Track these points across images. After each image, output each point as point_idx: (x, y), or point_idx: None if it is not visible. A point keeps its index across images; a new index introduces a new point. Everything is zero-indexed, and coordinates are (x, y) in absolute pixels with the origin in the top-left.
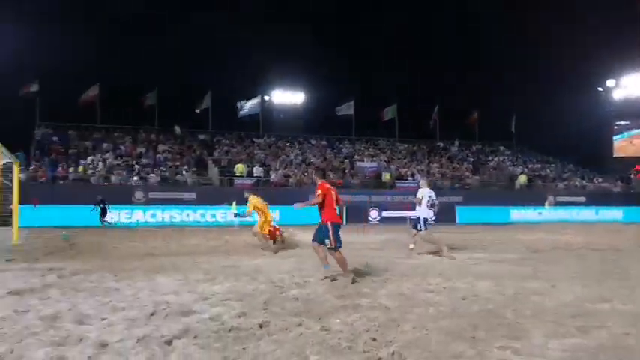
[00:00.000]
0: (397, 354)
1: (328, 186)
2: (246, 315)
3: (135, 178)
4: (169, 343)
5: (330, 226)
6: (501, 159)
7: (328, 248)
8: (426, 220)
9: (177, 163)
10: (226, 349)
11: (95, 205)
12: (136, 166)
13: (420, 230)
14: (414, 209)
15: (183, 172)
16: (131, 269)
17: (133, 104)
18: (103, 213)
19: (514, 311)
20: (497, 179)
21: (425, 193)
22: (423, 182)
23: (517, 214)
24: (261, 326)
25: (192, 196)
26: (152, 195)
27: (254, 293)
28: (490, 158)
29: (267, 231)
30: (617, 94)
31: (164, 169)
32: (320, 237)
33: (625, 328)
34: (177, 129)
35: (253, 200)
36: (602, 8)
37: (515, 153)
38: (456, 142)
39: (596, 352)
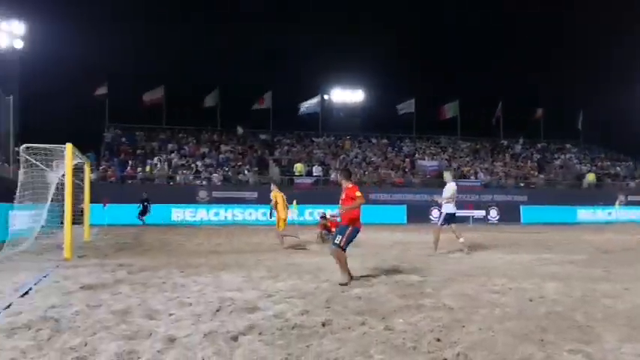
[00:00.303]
0: (462, 355)
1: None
2: (309, 313)
3: (198, 179)
4: (235, 339)
5: (350, 229)
6: (568, 157)
7: (335, 244)
8: (450, 215)
9: (240, 163)
10: (290, 346)
11: (140, 202)
12: (200, 166)
13: (444, 225)
14: (477, 208)
15: (245, 172)
16: (197, 266)
17: (196, 105)
18: (144, 211)
19: (584, 314)
20: (563, 178)
21: (453, 187)
22: (448, 176)
23: (585, 213)
24: (324, 324)
25: (254, 195)
26: (215, 194)
27: (316, 291)
28: (556, 156)
29: (282, 228)
30: None
31: (226, 169)
32: (335, 235)
33: None
34: (240, 129)
35: (277, 194)
36: None
37: (583, 150)
38: (521, 140)
39: None
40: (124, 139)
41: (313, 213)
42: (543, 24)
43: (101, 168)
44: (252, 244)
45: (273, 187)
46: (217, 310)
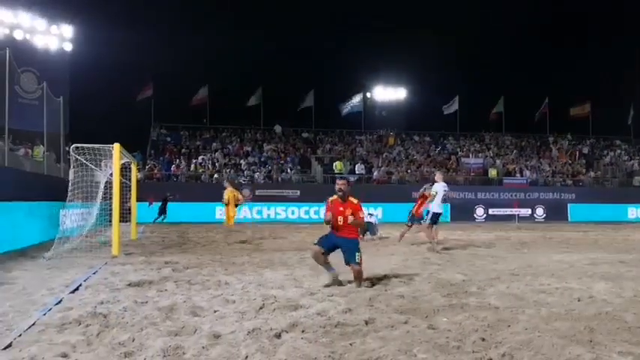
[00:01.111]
0: (508, 355)
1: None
2: (352, 311)
3: (242, 177)
4: (278, 336)
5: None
6: (617, 153)
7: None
8: (436, 215)
9: (282, 162)
10: (333, 344)
11: (163, 200)
12: (243, 165)
13: (426, 222)
14: (522, 207)
15: (288, 170)
16: (240, 264)
17: (240, 105)
18: (162, 210)
19: (635, 315)
20: (613, 175)
21: (439, 188)
22: (438, 176)
23: (635, 212)
24: (367, 323)
25: (297, 193)
26: (258, 192)
27: (359, 290)
28: (605, 153)
29: (230, 225)
30: None
31: (269, 167)
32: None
33: None
34: (279, 128)
35: (230, 193)
36: None
37: (634, 147)
38: (568, 136)
39: None
40: (168, 139)
41: None
42: (590, 14)
43: (147, 167)
44: (296, 242)
45: (226, 184)
46: (260, 308)
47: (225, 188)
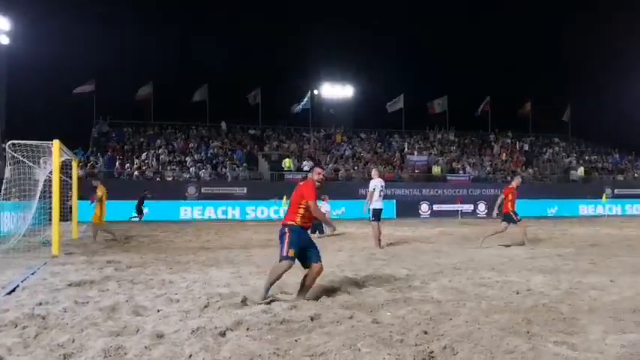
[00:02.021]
0: (449, 348)
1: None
2: (297, 308)
3: (187, 174)
4: (223, 334)
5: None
6: (556, 150)
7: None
8: (377, 210)
9: (229, 159)
10: (278, 340)
11: (140, 199)
12: (189, 162)
13: (374, 221)
14: (465, 202)
15: (235, 168)
16: (185, 262)
17: (185, 101)
18: (139, 210)
19: (570, 306)
20: (551, 171)
21: (376, 184)
22: (374, 172)
23: (573, 207)
24: (312, 319)
25: (244, 191)
26: (204, 190)
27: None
28: (544, 150)
29: (102, 222)
30: None
31: (216, 165)
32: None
33: None
34: (224, 125)
35: (103, 189)
36: None
37: (571, 144)
38: (509, 134)
39: None
40: (112, 136)
41: None
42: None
43: (89, 164)
44: (242, 241)
45: (97, 183)
46: (205, 307)
47: (96, 186)
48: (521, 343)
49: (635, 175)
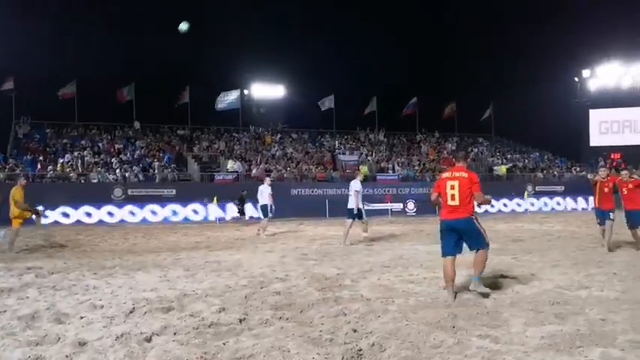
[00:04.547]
0: (377, 345)
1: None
2: (226, 310)
3: (113, 176)
4: (149, 340)
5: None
6: (480, 150)
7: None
8: (350, 210)
9: (157, 160)
10: (206, 344)
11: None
12: (115, 163)
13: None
14: (395, 201)
15: (163, 169)
16: (111, 267)
17: (111, 100)
18: (241, 211)
19: (494, 300)
20: (477, 170)
21: (352, 185)
22: (357, 174)
23: (496, 204)
24: (241, 321)
25: (172, 192)
26: (131, 192)
27: (235, 288)
28: (469, 150)
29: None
30: (593, 84)
31: (143, 166)
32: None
33: (602, 314)
34: (137, 124)
35: (18, 191)
36: None
37: (494, 144)
38: (435, 134)
39: (573, 338)
40: (33, 136)
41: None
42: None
43: (8, 166)
44: (170, 243)
45: (21, 182)
46: (131, 312)
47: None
48: (446, 337)
49: (555, 173)
